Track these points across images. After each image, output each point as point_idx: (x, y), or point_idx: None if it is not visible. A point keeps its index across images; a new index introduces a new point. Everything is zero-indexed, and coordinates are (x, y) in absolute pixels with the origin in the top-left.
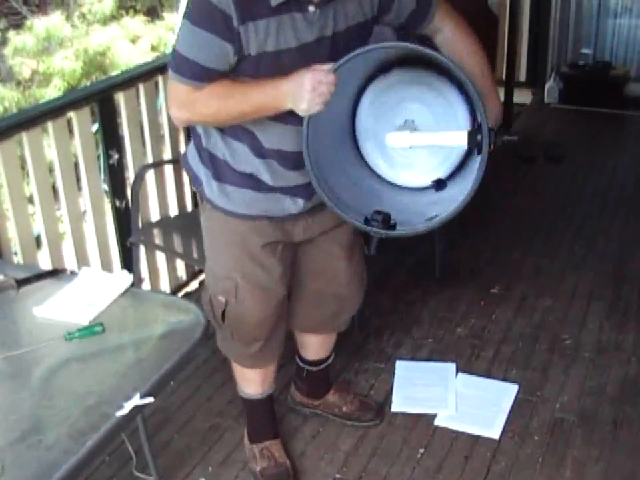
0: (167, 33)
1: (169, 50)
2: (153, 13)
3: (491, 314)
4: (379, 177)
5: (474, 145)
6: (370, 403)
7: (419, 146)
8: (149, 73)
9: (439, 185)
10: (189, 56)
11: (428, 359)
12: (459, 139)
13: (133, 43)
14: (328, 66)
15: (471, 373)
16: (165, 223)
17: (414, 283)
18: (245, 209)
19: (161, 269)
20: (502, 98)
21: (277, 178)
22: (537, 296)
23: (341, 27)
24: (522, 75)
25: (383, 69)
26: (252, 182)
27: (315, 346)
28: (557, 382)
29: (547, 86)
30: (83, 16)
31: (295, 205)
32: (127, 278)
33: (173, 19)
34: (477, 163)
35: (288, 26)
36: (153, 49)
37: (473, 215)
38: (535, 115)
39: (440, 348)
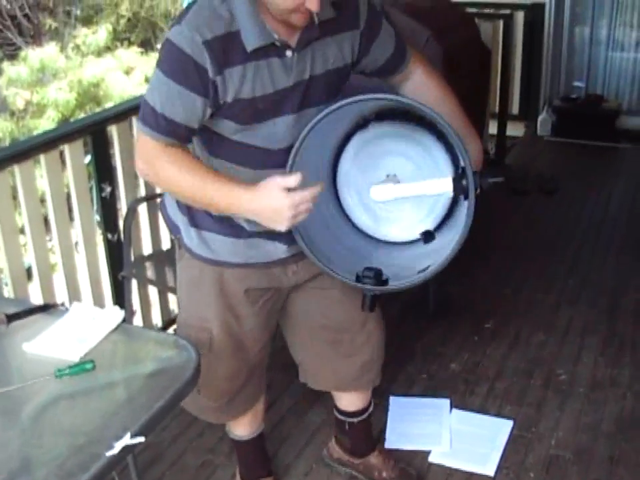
0: None
1: None
2: (147, 45)
3: (485, 349)
4: (363, 233)
5: (460, 191)
6: (411, 473)
7: (405, 197)
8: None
9: (427, 237)
10: (157, 107)
11: (422, 395)
12: (443, 186)
13: (127, 74)
14: (295, 179)
15: (465, 408)
16: (157, 256)
17: (408, 318)
18: (226, 256)
19: (153, 302)
20: (495, 131)
21: (255, 223)
22: (531, 331)
23: (319, 71)
24: (515, 108)
25: (360, 124)
26: (231, 228)
27: (348, 396)
28: (552, 418)
29: (539, 119)
30: (77, 47)
31: (278, 249)
32: (118, 314)
33: None
34: (464, 210)
35: (264, 72)
36: (147, 80)
37: (467, 249)
38: (528, 148)
39: (434, 383)
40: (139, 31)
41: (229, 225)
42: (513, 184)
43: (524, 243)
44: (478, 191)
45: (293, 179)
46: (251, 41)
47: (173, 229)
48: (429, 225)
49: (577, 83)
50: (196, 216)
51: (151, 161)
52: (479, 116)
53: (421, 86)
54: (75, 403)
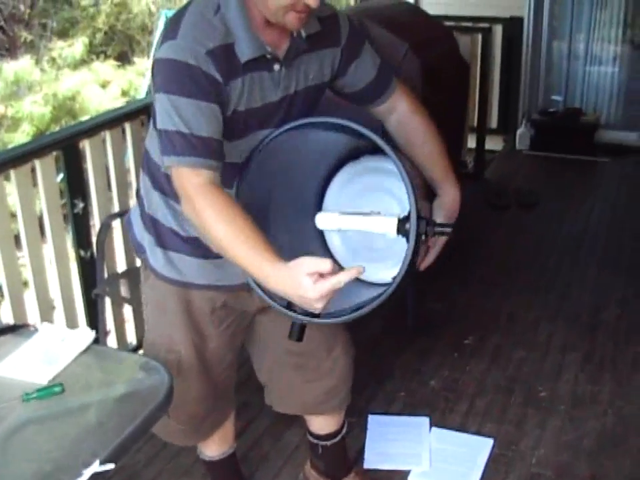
0: (137, 77)
1: (139, 95)
2: (123, 58)
3: (465, 366)
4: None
5: (403, 233)
6: None
7: (349, 229)
8: (115, 120)
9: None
10: (183, 129)
11: (401, 413)
12: (387, 226)
13: (103, 87)
14: (327, 265)
15: (444, 427)
16: (132, 273)
17: (386, 335)
18: (193, 277)
19: (128, 320)
20: (473, 145)
21: None
22: (511, 347)
23: (301, 86)
24: (493, 122)
25: (353, 155)
26: (198, 249)
27: (319, 419)
28: (532, 436)
29: (518, 133)
30: (53, 60)
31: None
32: (88, 334)
33: (144, 64)
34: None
35: (256, 84)
36: (124, 93)
37: (446, 265)
38: (507, 162)
39: (413, 401)
40: (115, 44)
41: (196, 246)
42: (492, 198)
43: (503, 258)
44: (423, 238)
45: (325, 266)
46: (245, 52)
47: (138, 248)
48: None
49: (555, 97)
50: (163, 236)
51: (190, 198)
52: (458, 130)
53: (404, 121)
54: (43, 427)
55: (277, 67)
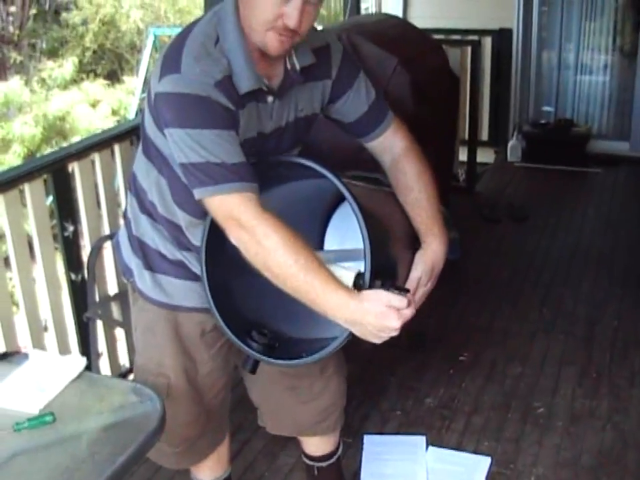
0: (127, 96)
1: (129, 114)
2: (113, 77)
3: (460, 382)
4: None
5: (359, 288)
6: None
7: None
8: (104, 142)
9: None
10: (213, 159)
11: (396, 432)
12: (346, 278)
13: (93, 107)
14: (406, 303)
15: (441, 445)
16: (123, 295)
17: (380, 352)
18: (181, 300)
19: (120, 343)
20: (465, 158)
21: None
22: (506, 362)
23: (292, 118)
24: (484, 134)
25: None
26: (186, 271)
27: (314, 441)
28: (530, 453)
29: (509, 145)
30: (43, 81)
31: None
32: (80, 361)
33: (133, 83)
34: None
35: (253, 115)
36: (114, 112)
37: (438, 280)
38: (498, 175)
39: (409, 420)
40: (104, 63)
41: (184, 268)
42: (484, 212)
43: (496, 272)
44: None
45: (402, 303)
46: (244, 84)
47: (126, 272)
48: None
49: (546, 108)
50: (150, 258)
51: (251, 227)
52: (449, 143)
53: (396, 164)
54: (35, 458)
55: (270, 99)
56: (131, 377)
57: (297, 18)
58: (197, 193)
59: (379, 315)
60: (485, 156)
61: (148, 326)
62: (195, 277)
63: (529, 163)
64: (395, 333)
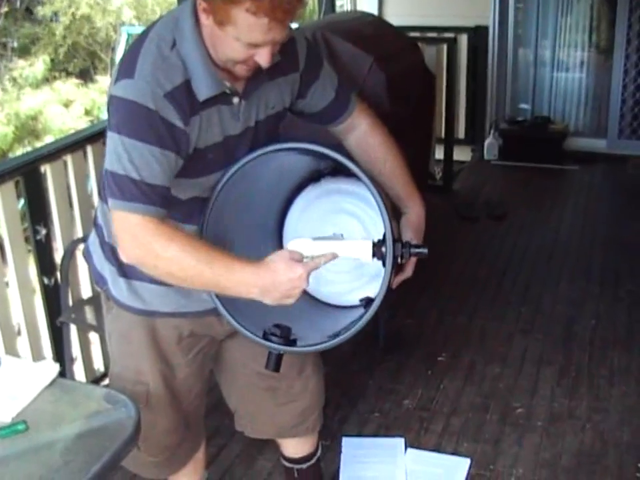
0: (100, 96)
1: (102, 114)
2: (85, 76)
3: (439, 384)
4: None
5: (379, 257)
6: None
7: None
8: (76, 144)
9: (369, 304)
10: (133, 175)
11: (375, 435)
12: (362, 250)
13: (66, 106)
14: (304, 269)
15: (420, 447)
16: (97, 299)
17: (358, 354)
18: (157, 305)
19: (94, 347)
20: (441, 156)
21: None
22: (485, 362)
23: (262, 116)
24: (461, 132)
25: (314, 177)
26: None
27: (293, 442)
28: (510, 454)
29: (486, 143)
30: (14, 80)
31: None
32: (53, 367)
33: (106, 82)
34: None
35: (215, 120)
36: (87, 112)
37: (415, 280)
38: (475, 173)
39: (387, 422)
40: (77, 61)
41: None
42: (461, 210)
43: (474, 271)
44: (400, 261)
45: (297, 255)
46: (203, 91)
47: (99, 280)
48: (372, 291)
49: (522, 105)
50: (125, 265)
51: (147, 243)
52: (425, 141)
53: (364, 140)
54: (7, 469)
55: (236, 100)
56: (106, 381)
57: (268, 58)
58: (110, 203)
59: (286, 270)
60: (462, 154)
61: (123, 334)
62: None
63: (506, 161)
64: (305, 284)
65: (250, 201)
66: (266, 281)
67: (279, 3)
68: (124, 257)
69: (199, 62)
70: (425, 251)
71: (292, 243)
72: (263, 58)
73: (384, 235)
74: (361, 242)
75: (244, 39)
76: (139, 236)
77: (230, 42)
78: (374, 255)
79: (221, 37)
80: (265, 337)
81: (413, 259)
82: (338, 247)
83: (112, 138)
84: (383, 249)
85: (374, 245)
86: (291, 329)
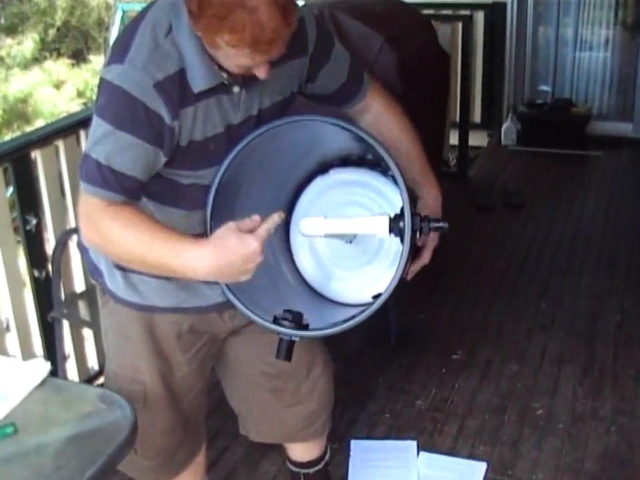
0: (93, 77)
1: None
2: (78, 56)
3: (454, 383)
4: (309, 287)
5: (397, 233)
6: None
7: (336, 234)
8: (69, 128)
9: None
10: (101, 160)
11: (386, 437)
12: (378, 226)
13: (57, 88)
14: (258, 241)
15: (433, 450)
16: (92, 293)
17: (367, 351)
18: (156, 300)
19: (88, 344)
20: (456, 141)
21: None
22: (502, 360)
23: (267, 104)
24: (477, 116)
25: (321, 170)
26: None
27: (300, 446)
28: (529, 458)
29: (503, 127)
30: (1, 60)
31: (215, 293)
32: (44, 366)
33: (100, 62)
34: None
35: (214, 110)
36: (80, 94)
37: (428, 274)
38: (492, 159)
39: (398, 423)
40: (69, 41)
41: None
42: (477, 199)
43: (490, 264)
44: (419, 237)
45: (250, 222)
46: (199, 83)
47: (95, 272)
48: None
49: (542, 87)
50: None
51: (95, 222)
52: (439, 126)
53: (378, 121)
54: None
55: (236, 89)
56: (101, 380)
57: (266, 74)
58: (81, 185)
59: (239, 246)
60: (478, 139)
61: (120, 329)
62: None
63: (525, 147)
64: (259, 258)
65: (256, 191)
66: (218, 261)
67: (259, 35)
68: (82, 239)
69: (194, 52)
70: (445, 225)
71: (304, 221)
72: (260, 73)
73: (401, 210)
74: (377, 217)
75: (234, 62)
76: (90, 218)
77: (222, 59)
78: (391, 231)
79: (213, 51)
80: (276, 321)
81: (430, 244)
82: (353, 223)
83: (95, 120)
84: (401, 224)
85: (391, 220)
86: (302, 315)
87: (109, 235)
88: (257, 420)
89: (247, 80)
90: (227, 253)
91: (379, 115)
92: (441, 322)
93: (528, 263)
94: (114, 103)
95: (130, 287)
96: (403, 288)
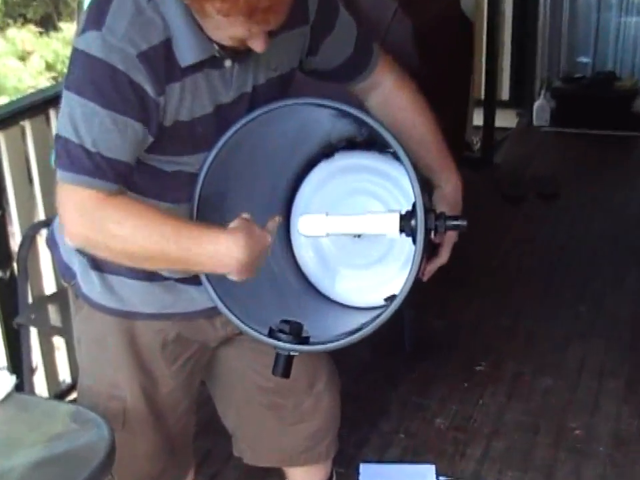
0: (65, 47)
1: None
2: (47, 23)
3: (478, 398)
4: (310, 287)
5: (408, 232)
6: None
7: (339, 233)
8: (36, 107)
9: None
10: (88, 145)
11: (400, 460)
12: (387, 225)
13: (23, 60)
14: (269, 235)
15: (454, 476)
16: (63, 296)
17: (379, 362)
18: (137, 305)
19: (59, 354)
20: (480, 122)
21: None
22: (534, 373)
23: (261, 80)
24: (505, 93)
25: (326, 152)
26: (144, 269)
27: (301, 471)
28: None
29: (535, 105)
30: None
31: (204, 297)
32: (8, 379)
33: (73, 30)
34: None
35: (203, 87)
36: (49, 67)
37: (448, 274)
38: (522, 142)
39: (414, 445)
40: (37, 5)
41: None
42: (504, 189)
43: (520, 261)
44: (433, 235)
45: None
46: (187, 56)
47: (66, 273)
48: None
49: (581, 59)
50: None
51: (92, 217)
52: (460, 104)
53: (388, 100)
54: None
55: (228, 63)
56: (74, 395)
57: (263, 45)
58: (58, 174)
59: (261, 236)
60: (506, 119)
61: (96, 339)
62: (154, 277)
63: (560, 127)
64: (268, 253)
65: (250, 180)
66: (252, 252)
67: (254, 1)
68: (68, 239)
69: (181, 20)
70: (464, 223)
71: (303, 219)
72: (257, 45)
73: (413, 206)
74: (386, 214)
75: (226, 33)
76: (88, 212)
77: (212, 30)
78: (402, 230)
79: (203, 20)
80: (272, 334)
81: (449, 241)
82: (359, 222)
83: (68, 97)
84: (413, 222)
85: (402, 217)
86: (302, 326)
87: (120, 232)
88: (253, 440)
89: (240, 53)
90: (256, 243)
91: (389, 92)
92: (463, 329)
93: (563, 261)
94: (93, 77)
95: (107, 289)
96: (419, 290)
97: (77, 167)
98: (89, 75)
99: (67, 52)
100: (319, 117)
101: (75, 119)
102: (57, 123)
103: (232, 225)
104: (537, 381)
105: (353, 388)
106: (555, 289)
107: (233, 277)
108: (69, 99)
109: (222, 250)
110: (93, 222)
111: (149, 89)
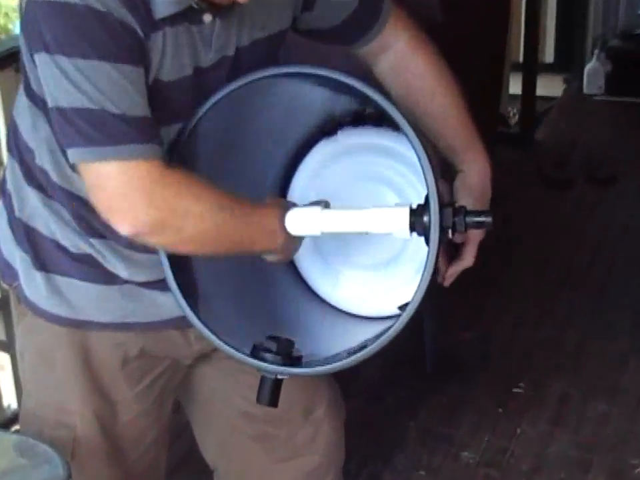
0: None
1: (12, 25)
2: None
3: (515, 428)
4: (309, 292)
5: (420, 231)
6: None
7: (337, 232)
8: None
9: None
10: (110, 107)
11: None
12: (395, 221)
13: None
14: None
15: None
16: (5, 302)
17: (395, 383)
18: (92, 313)
19: (3, 374)
20: (519, 90)
21: (129, 266)
22: (584, 397)
23: (245, 42)
24: (549, 55)
25: (327, 129)
26: (98, 270)
27: None
28: None
29: (587, 69)
30: None
31: (171, 302)
32: None
33: None
34: None
35: (184, 43)
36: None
37: (477, 277)
38: (570, 114)
39: None
40: None
41: (94, 266)
42: (548, 171)
43: (567, 261)
44: (451, 235)
45: None
46: (160, 7)
47: (6, 273)
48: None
49: None
50: (43, 253)
51: (172, 197)
52: (494, 69)
53: (401, 64)
54: None
55: (207, 18)
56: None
57: None
58: (77, 154)
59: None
60: (550, 87)
61: (42, 353)
62: (110, 279)
63: (617, 96)
64: None
65: (236, 162)
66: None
67: None
68: (127, 228)
69: None
70: (489, 219)
71: (291, 214)
72: None
73: (426, 199)
74: (393, 209)
75: None
76: (156, 190)
77: None
78: (413, 228)
79: None
80: (255, 353)
81: (474, 240)
82: (360, 218)
83: (55, 63)
84: (426, 219)
85: (412, 212)
86: (293, 343)
87: (196, 208)
88: (239, 478)
89: (222, 8)
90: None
91: (402, 55)
92: (497, 343)
93: (619, 259)
94: (75, 27)
95: (55, 293)
96: (442, 295)
97: (115, 136)
98: (69, 27)
99: (11, 2)
100: (310, 90)
101: (77, 83)
102: (52, 99)
103: (270, 200)
104: (587, 406)
105: (362, 414)
106: (609, 293)
107: (276, 257)
108: (56, 65)
109: (277, 223)
110: (165, 201)
111: (138, 28)
